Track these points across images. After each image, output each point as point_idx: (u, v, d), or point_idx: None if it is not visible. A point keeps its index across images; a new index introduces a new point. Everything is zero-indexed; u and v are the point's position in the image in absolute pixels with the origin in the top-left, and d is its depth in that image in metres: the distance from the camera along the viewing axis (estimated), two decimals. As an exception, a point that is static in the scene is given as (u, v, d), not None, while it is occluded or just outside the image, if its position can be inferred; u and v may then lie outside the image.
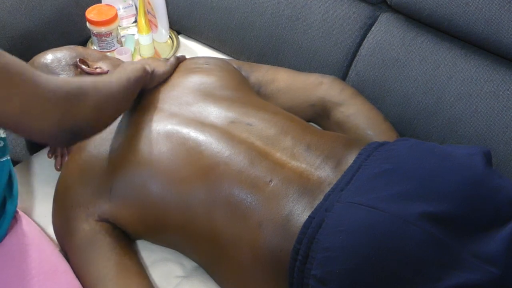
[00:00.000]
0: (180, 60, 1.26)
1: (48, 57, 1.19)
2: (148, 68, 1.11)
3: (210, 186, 0.98)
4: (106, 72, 1.20)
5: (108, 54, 1.51)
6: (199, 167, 0.99)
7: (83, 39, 1.58)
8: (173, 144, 1.02)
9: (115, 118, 0.98)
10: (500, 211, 0.89)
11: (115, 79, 0.98)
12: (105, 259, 0.99)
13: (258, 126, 1.04)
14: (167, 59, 1.26)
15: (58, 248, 1.07)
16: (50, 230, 1.11)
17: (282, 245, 0.91)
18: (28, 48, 1.43)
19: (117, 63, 1.25)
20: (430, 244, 0.84)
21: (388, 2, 1.31)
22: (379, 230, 0.85)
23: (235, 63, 1.31)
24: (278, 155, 1.00)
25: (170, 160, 1.01)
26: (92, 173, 1.05)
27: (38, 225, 1.14)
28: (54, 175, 1.15)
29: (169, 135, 1.03)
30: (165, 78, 1.18)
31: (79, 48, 1.24)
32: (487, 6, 1.15)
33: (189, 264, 1.09)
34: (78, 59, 1.18)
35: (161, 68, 1.16)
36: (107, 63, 1.23)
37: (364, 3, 1.36)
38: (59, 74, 1.16)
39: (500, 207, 0.89)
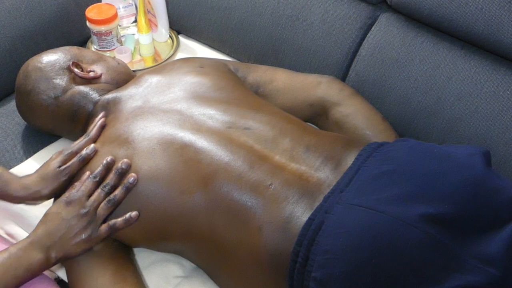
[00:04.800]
0: None
1: (42, 60, 1.19)
2: (53, 256, 0.96)
3: (210, 193, 0.98)
4: (100, 76, 1.20)
5: (108, 53, 1.51)
6: (198, 176, 0.99)
7: (83, 38, 1.58)
8: (171, 157, 1.01)
9: None
10: (500, 212, 0.89)
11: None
12: (102, 269, 0.98)
13: (256, 129, 1.04)
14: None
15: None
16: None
17: (282, 248, 0.91)
18: (28, 48, 1.43)
19: (113, 64, 1.25)
20: (430, 246, 0.84)
21: (388, 2, 1.31)
22: (379, 232, 0.85)
23: (232, 64, 1.29)
24: (277, 157, 1.00)
25: (169, 173, 1.00)
26: None
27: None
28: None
29: (165, 147, 1.02)
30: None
31: (74, 50, 1.24)
32: (487, 6, 1.15)
33: (189, 264, 1.09)
34: (71, 63, 1.18)
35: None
36: (102, 65, 1.23)
37: (364, 3, 1.36)
38: (53, 78, 1.16)
39: (500, 208, 0.89)
